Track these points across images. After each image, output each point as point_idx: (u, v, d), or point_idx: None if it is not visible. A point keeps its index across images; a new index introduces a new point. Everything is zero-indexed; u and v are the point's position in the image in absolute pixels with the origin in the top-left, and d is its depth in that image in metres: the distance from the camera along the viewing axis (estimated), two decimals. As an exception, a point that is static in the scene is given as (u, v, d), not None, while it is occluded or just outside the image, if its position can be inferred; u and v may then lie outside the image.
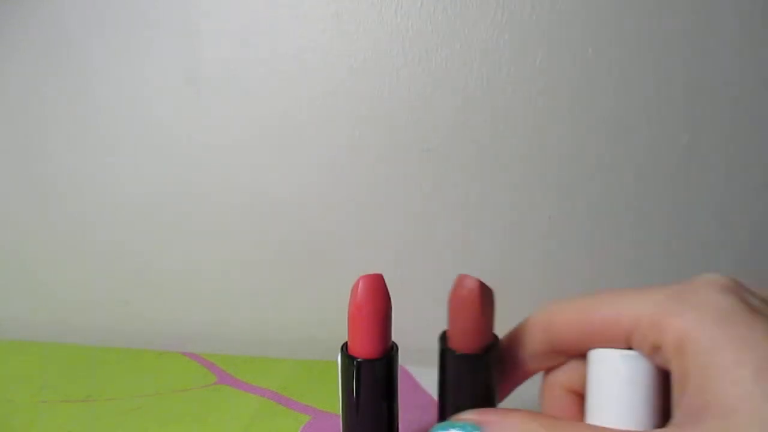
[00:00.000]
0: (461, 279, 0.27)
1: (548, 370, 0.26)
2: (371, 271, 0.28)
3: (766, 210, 0.44)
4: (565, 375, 0.25)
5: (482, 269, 0.47)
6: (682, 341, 0.19)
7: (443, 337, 0.28)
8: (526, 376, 0.27)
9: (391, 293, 0.28)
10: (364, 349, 0.28)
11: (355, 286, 0.28)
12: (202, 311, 0.51)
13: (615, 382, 0.22)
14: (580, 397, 0.24)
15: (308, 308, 0.50)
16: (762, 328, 0.18)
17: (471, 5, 0.43)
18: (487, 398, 0.28)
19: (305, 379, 0.43)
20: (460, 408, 0.27)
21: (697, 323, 0.19)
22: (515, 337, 0.26)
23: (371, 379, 0.28)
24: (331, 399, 0.40)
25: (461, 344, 0.27)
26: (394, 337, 0.29)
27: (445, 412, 0.28)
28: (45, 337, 0.50)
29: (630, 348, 0.22)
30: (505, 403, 0.28)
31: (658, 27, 0.42)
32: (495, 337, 0.28)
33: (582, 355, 0.24)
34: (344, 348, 0.29)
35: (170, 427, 0.37)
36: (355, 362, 0.28)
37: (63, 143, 0.50)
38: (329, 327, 0.50)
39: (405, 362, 0.29)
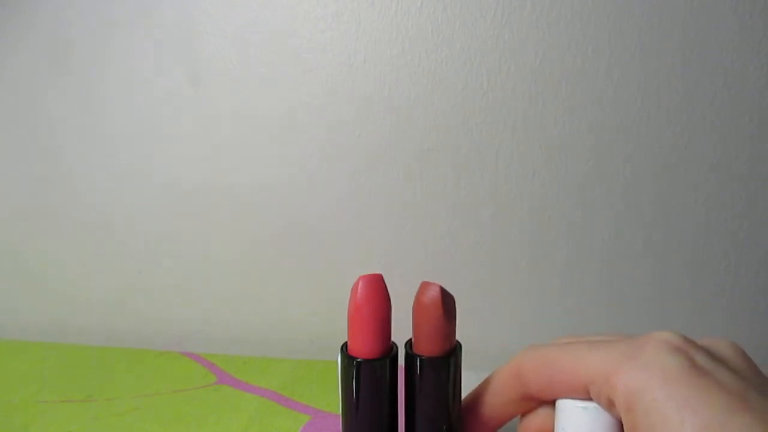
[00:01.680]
0: (424, 286, 0.28)
1: (523, 414, 0.27)
2: (371, 271, 0.28)
3: (765, 209, 0.44)
4: (538, 420, 0.26)
5: (481, 269, 0.47)
6: (631, 399, 0.20)
7: (409, 343, 0.29)
8: (502, 421, 0.28)
9: (391, 293, 0.28)
10: (364, 349, 0.28)
11: (355, 286, 0.28)
12: (203, 311, 0.51)
13: None
14: None
15: (308, 308, 0.50)
16: (705, 390, 0.19)
17: (471, 5, 0.43)
18: (450, 401, 0.28)
19: (305, 379, 0.43)
20: (425, 410, 0.28)
21: (645, 383, 0.20)
22: (490, 383, 0.28)
23: (371, 379, 0.28)
24: (331, 399, 0.40)
25: (425, 349, 0.28)
26: (394, 337, 0.29)
27: (410, 415, 0.29)
28: (45, 337, 0.51)
29: (590, 399, 0.23)
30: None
31: (657, 27, 0.42)
32: (457, 342, 0.29)
33: (552, 401, 0.25)
34: (344, 348, 0.29)
35: (170, 427, 0.37)
36: (355, 362, 0.28)
37: (62, 143, 0.50)
38: (329, 327, 0.50)
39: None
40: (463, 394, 0.30)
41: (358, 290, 0.28)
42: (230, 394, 0.41)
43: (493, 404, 0.27)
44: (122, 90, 0.48)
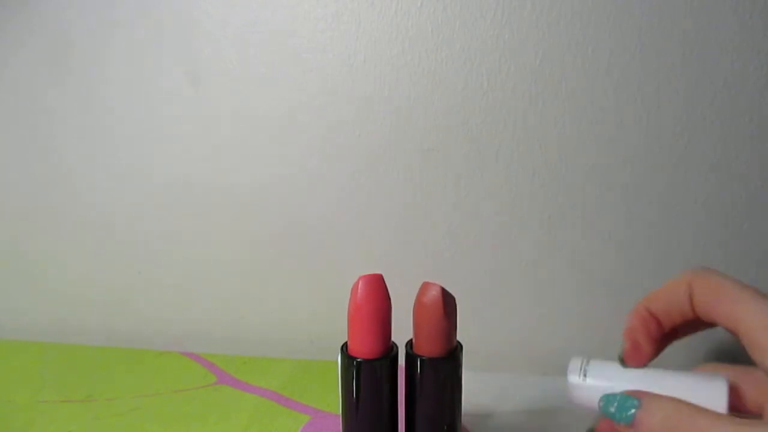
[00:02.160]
0: (425, 286, 0.28)
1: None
2: (371, 271, 0.28)
3: (765, 209, 0.44)
4: (659, 303, 0.30)
5: (481, 269, 0.47)
6: None
7: (409, 343, 0.29)
8: (669, 323, 0.30)
9: (391, 293, 0.28)
10: (364, 349, 0.28)
11: (355, 286, 0.28)
12: (203, 311, 0.51)
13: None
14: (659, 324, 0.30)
15: (308, 308, 0.50)
16: None
17: (471, 5, 0.43)
18: (451, 401, 0.28)
19: (305, 379, 0.43)
20: (425, 411, 0.28)
21: None
22: (663, 287, 0.30)
23: (371, 379, 0.28)
24: (331, 399, 0.40)
25: (426, 349, 0.28)
26: (394, 337, 0.29)
27: (410, 415, 0.29)
28: (45, 337, 0.51)
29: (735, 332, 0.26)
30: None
31: (657, 27, 0.42)
32: (458, 342, 0.29)
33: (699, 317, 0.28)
34: (344, 348, 0.29)
35: (170, 427, 0.37)
36: (355, 362, 0.28)
37: (63, 143, 0.50)
38: (329, 327, 0.50)
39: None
40: (464, 394, 0.30)
41: (358, 290, 0.28)
42: (230, 394, 0.41)
43: (665, 304, 0.30)
44: (122, 90, 0.48)
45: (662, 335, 0.30)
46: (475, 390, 0.40)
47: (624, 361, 0.29)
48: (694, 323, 0.29)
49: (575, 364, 0.28)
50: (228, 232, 0.49)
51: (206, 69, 0.47)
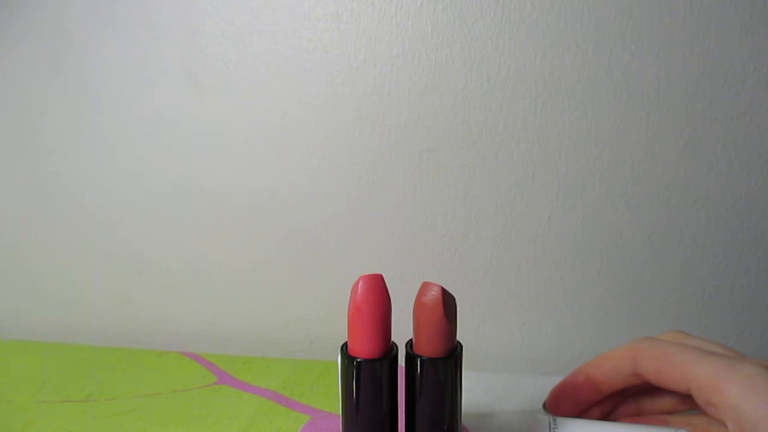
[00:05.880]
0: (425, 286, 0.28)
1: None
2: (371, 271, 0.28)
3: (765, 209, 0.44)
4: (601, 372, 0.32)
5: (481, 269, 0.47)
6: (736, 406, 0.26)
7: (409, 343, 0.29)
8: (610, 388, 0.32)
9: (391, 293, 0.28)
10: (364, 349, 0.28)
11: (355, 286, 0.28)
12: (202, 311, 0.51)
13: None
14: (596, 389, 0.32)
15: (308, 308, 0.50)
16: None
17: (471, 5, 0.43)
18: (451, 401, 0.28)
19: (305, 379, 0.43)
20: (425, 411, 0.28)
21: (747, 393, 0.26)
22: (606, 358, 0.32)
23: (371, 379, 0.28)
24: (331, 399, 0.40)
25: (426, 349, 0.28)
26: (394, 337, 0.29)
27: (410, 415, 0.29)
28: (45, 337, 0.51)
29: (689, 394, 0.29)
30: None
31: (658, 27, 0.42)
32: (458, 342, 0.29)
33: (653, 384, 0.30)
34: (344, 348, 0.29)
35: (170, 427, 0.37)
36: (355, 362, 0.28)
37: (63, 143, 0.50)
38: (329, 327, 0.50)
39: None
40: (464, 394, 0.30)
41: (358, 290, 0.28)
42: (230, 394, 0.41)
43: (607, 374, 0.32)
44: (122, 90, 0.48)
45: (597, 398, 0.33)
46: (475, 390, 0.40)
47: (544, 407, 0.34)
48: (638, 387, 0.32)
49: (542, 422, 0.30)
50: (228, 232, 0.49)
51: (206, 69, 0.47)
